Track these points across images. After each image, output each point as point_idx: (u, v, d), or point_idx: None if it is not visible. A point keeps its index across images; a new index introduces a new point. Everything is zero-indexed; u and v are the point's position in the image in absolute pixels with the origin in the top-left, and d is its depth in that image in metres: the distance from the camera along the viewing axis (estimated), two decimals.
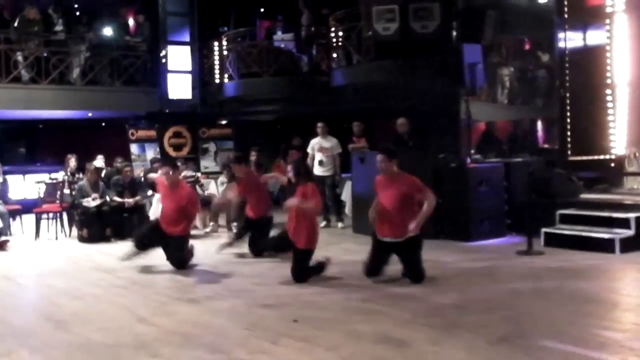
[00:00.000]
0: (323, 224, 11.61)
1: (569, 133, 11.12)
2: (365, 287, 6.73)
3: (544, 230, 9.03)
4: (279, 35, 15.80)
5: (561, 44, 11.22)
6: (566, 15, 11.00)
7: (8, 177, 12.41)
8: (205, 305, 6.19)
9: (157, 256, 8.30)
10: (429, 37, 11.63)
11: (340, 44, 13.54)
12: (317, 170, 11.53)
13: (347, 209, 11.62)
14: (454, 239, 9.52)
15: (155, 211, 10.96)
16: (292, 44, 15.04)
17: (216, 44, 15.59)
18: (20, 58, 14.05)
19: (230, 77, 15.14)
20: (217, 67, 15.55)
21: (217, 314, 5.81)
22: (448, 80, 11.06)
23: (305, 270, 7.13)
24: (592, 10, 10.91)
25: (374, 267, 7.07)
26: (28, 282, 7.54)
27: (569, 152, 11.12)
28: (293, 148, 14.12)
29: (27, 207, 12.24)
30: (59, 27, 14.62)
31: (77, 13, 16.07)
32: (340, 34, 13.50)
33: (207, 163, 15.81)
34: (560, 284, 6.72)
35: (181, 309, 6.06)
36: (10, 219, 11.27)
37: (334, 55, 13.77)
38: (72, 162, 12.58)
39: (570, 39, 11.11)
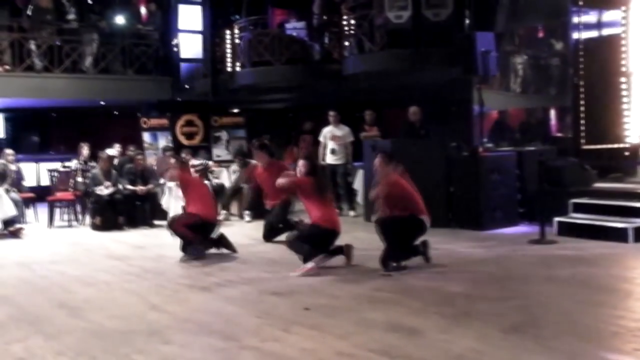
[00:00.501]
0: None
1: (582, 122, 11.04)
2: (376, 275, 6.73)
3: (556, 219, 8.98)
4: (291, 23, 15.74)
5: (575, 32, 11.11)
6: (581, 3, 10.89)
7: (22, 165, 12.50)
8: (217, 292, 6.21)
9: (169, 244, 8.34)
10: (441, 25, 11.55)
11: (352, 32, 13.48)
12: (329, 159, 11.53)
13: (359, 198, 11.61)
14: (466, 228, 9.50)
15: (167, 200, 11.02)
16: (304, 32, 14.99)
17: (228, 32, 15.56)
18: (33, 47, 14.12)
19: (242, 66, 15.12)
20: (229, 55, 15.53)
21: (228, 302, 5.83)
22: (460, 68, 10.98)
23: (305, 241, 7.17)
24: None
25: None
26: (42, 269, 7.60)
27: (583, 141, 11.05)
28: (305, 132, 14.08)
29: (40, 195, 12.34)
30: (71, 16, 14.67)
31: (90, 1, 16.12)
32: (352, 22, 13.43)
33: (219, 151, 15.81)
34: (572, 272, 6.69)
35: (193, 297, 6.09)
36: (24, 207, 11.37)
37: (346, 43, 13.71)
38: (85, 150, 12.65)
39: (584, 27, 11.00)
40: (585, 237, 8.50)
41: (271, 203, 9.24)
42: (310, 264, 6.90)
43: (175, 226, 8.04)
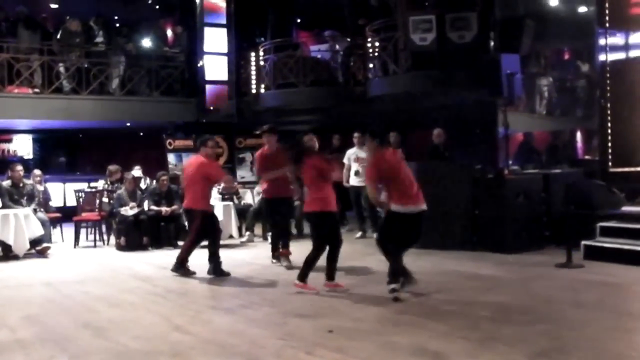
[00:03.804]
0: (359, 234, 11.59)
1: (609, 144, 10.92)
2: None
3: (583, 242, 8.85)
4: (316, 46, 15.87)
5: (602, 54, 11.03)
6: (607, 25, 10.82)
7: (49, 185, 12.65)
8: (241, 314, 6.20)
9: (193, 264, 8.36)
10: (466, 47, 11.56)
11: (376, 54, 13.53)
12: (353, 181, 11.51)
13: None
14: (491, 251, 9.39)
15: None
16: (329, 54, 15.08)
17: (253, 54, 15.71)
18: (62, 69, 14.37)
19: (266, 87, 15.22)
20: (253, 77, 15.66)
21: (252, 323, 5.81)
22: (485, 90, 10.96)
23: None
24: (634, 18, 10.72)
25: None
26: (67, 288, 7.65)
27: (610, 164, 10.91)
28: (333, 151, 13.92)
29: (66, 215, 12.48)
30: (99, 39, 14.95)
31: (117, 25, 16.40)
32: (377, 44, 13.49)
33: (244, 173, 15.89)
34: (601, 298, 6.57)
35: (217, 318, 6.09)
36: (51, 227, 11.49)
37: (371, 65, 13.76)
38: (117, 174, 12.61)
39: (611, 49, 10.91)
40: (613, 261, 8.36)
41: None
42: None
43: None
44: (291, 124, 17.53)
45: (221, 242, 11.03)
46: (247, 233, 11.64)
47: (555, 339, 5.13)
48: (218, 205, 11.13)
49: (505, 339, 5.15)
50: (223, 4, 15.94)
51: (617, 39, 10.89)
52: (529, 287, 7.26)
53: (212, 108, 15.65)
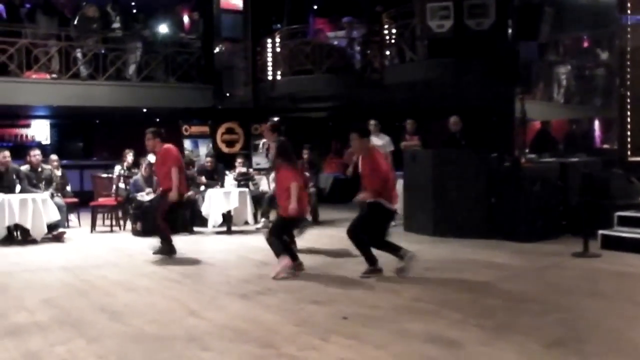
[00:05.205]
0: None
1: (628, 133, 10.80)
2: (415, 286, 6.67)
3: (601, 232, 8.80)
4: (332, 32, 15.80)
5: (622, 42, 10.88)
6: (629, 12, 10.67)
7: (66, 171, 12.74)
8: (256, 300, 6.22)
9: (208, 250, 8.39)
10: (484, 35, 11.45)
11: (393, 41, 13.44)
12: None
13: (399, 208, 11.51)
14: (507, 239, 9.36)
15: (207, 207, 11.10)
16: (345, 40, 15.01)
17: (269, 40, 15.68)
18: (79, 55, 14.44)
19: (283, 74, 15.20)
20: (269, 63, 15.64)
21: (267, 309, 5.84)
22: (503, 78, 10.86)
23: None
24: None
25: None
26: (84, 272, 7.72)
27: (629, 153, 10.80)
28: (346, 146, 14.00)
29: (83, 200, 12.57)
30: (116, 25, 14.98)
31: (134, 11, 16.42)
32: (394, 31, 13.40)
33: (259, 159, 15.91)
34: (618, 287, 6.53)
35: (232, 304, 6.11)
36: (68, 212, 11.58)
37: (387, 52, 13.68)
38: (130, 156, 12.80)
39: (632, 36, 10.76)
40: (631, 251, 8.31)
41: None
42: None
43: None
44: (307, 111, 17.52)
45: (237, 228, 11.17)
46: (263, 219, 11.67)
47: (571, 329, 5.10)
48: (234, 191, 11.16)
49: (521, 327, 5.13)
50: None
51: (638, 26, 10.73)
52: (545, 276, 7.23)
53: (227, 94, 15.65)
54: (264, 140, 10.04)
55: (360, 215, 7.53)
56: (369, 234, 7.18)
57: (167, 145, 8.84)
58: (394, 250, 7.16)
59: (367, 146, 7.30)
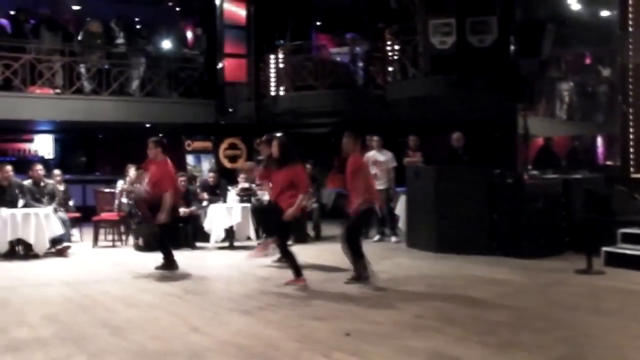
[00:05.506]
0: (377, 237, 11.57)
1: (631, 150, 10.80)
2: (418, 302, 6.66)
3: (604, 249, 8.77)
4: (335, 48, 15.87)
5: (624, 58, 10.91)
6: (630, 29, 10.70)
7: (69, 185, 12.75)
8: (258, 316, 6.20)
9: (210, 266, 8.38)
10: (486, 51, 11.49)
11: (396, 57, 13.49)
12: None
13: (401, 223, 11.52)
14: (510, 256, 9.33)
15: (210, 222, 11.10)
16: (348, 57, 15.06)
17: (272, 56, 15.73)
18: (83, 70, 14.51)
19: (285, 90, 15.24)
20: (272, 79, 15.68)
21: (269, 325, 5.81)
22: (505, 94, 10.88)
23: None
24: None
25: None
26: (86, 288, 7.70)
27: (632, 169, 10.79)
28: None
29: (86, 215, 12.57)
30: (120, 40, 15.07)
31: (138, 26, 16.51)
32: (396, 47, 13.45)
33: None
34: (622, 305, 6.50)
35: (234, 319, 6.09)
36: (71, 227, 11.57)
37: (390, 68, 13.72)
38: (132, 171, 12.80)
39: (633, 53, 10.80)
40: (634, 268, 8.27)
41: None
42: None
43: None
44: (309, 127, 17.52)
45: (239, 244, 11.16)
46: (264, 235, 11.63)
47: (574, 346, 5.08)
48: (236, 206, 11.16)
49: (523, 344, 5.11)
50: (243, 7, 16.01)
51: None
52: (548, 293, 7.20)
53: (230, 110, 15.70)
54: (261, 157, 9.99)
55: (349, 225, 7.70)
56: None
57: (165, 163, 8.81)
58: (361, 257, 7.56)
59: (357, 148, 7.96)
